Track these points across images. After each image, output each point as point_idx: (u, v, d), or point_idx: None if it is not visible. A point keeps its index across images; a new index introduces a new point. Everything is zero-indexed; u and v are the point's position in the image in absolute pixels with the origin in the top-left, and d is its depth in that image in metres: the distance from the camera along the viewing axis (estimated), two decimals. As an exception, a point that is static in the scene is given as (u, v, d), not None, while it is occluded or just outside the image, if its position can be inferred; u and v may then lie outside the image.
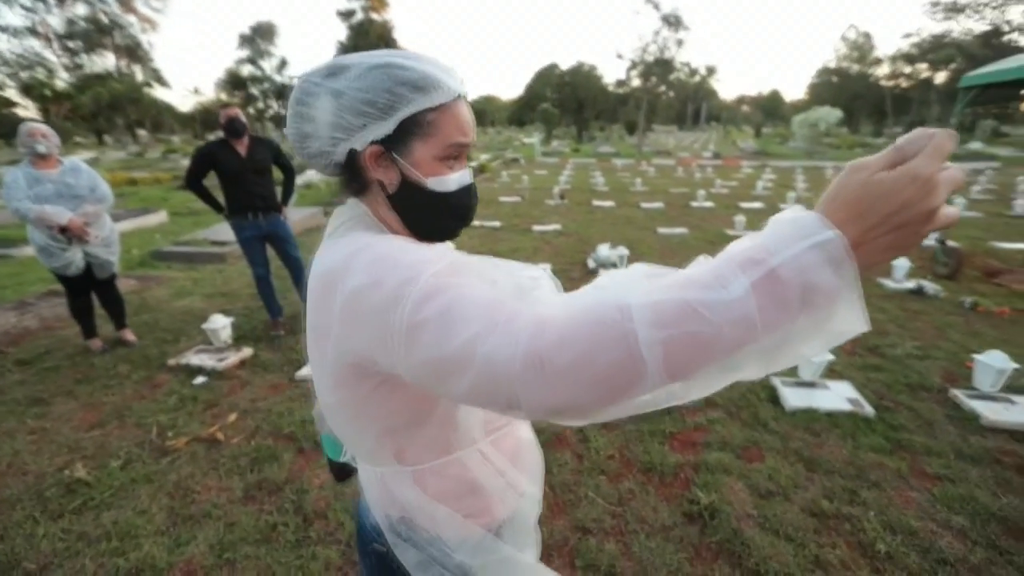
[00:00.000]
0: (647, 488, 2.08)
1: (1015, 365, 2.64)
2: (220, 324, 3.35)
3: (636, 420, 2.52)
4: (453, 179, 0.65)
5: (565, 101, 45.09)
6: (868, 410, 2.52)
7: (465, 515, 0.70)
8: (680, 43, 32.42)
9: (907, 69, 39.13)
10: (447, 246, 0.80)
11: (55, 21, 40.09)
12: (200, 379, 3.00)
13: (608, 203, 9.65)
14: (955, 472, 2.12)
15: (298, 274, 3.76)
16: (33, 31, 38.95)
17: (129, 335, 3.56)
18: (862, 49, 43.96)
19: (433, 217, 0.66)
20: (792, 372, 2.90)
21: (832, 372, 2.91)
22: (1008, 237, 6.45)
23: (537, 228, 7.35)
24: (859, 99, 42.33)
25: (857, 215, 0.40)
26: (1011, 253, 5.56)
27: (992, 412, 2.46)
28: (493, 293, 0.51)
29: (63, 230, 2.96)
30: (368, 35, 39.09)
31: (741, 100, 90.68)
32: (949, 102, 30.03)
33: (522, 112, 52.91)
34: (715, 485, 2.06)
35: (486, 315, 0.48)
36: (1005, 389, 2.65)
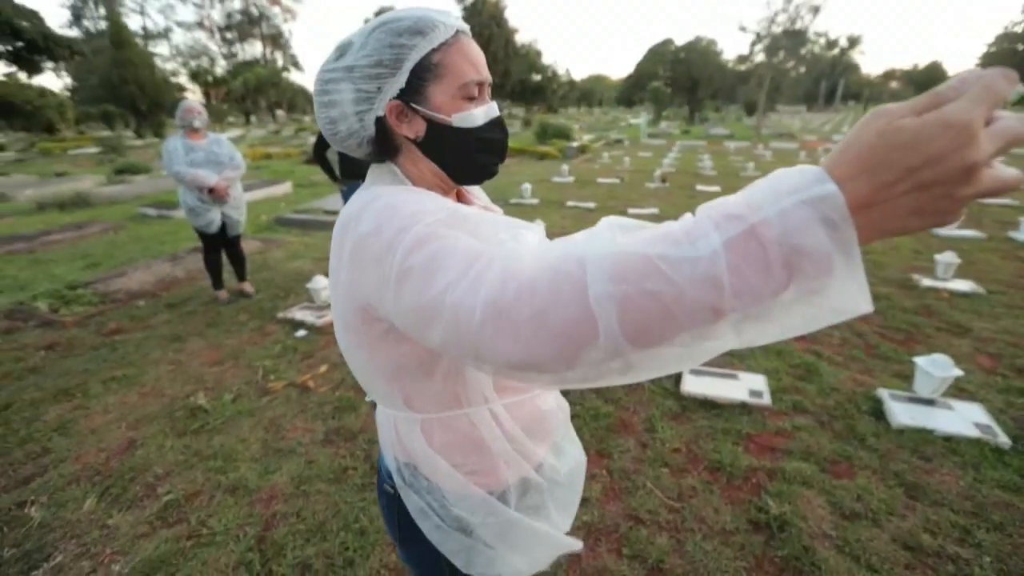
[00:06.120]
0: (712, 488, 1.95)
1: None
2: (321, 285, 3.70)
3: (711, 416, 2.37)
4: (478, 113, 0.65)
5: (678, 79, 42.42)
6: (1003, 440, 2.12)
7: (468, 472, 0.71)
8: (816, 10, 28.79)
9: None
10: (481, 197, 0.80)
11: (217, 15, 46.04)
12: (301, 332, 3.36)
13: (714, 188, 8.99)
14: (1116, 528, 1.72)
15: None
16: (200, 24, 45.10)
17: (248, 287, 4.09)
18: (1065, 9, 35.65)
19: (466, 155, 0.67)
20: (906, 385, 2.52)
21: (961, 391, 2.48)
22: None
23: (633, 211, 7.08)
24: (1054, 72, 34.56)
25: (869, 169, 0.33)
26: None
27: None
28: (479, 246, 0.50)
29: (210, 191, 3.49)
30: (481, 14, 39.75)
31: (890, 75, 78.72)
32: None
33: (631, 92, 50.79)
34: (790, 496, 1.87)
35: (462, 266, 0.47)
36: None
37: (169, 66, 39.57)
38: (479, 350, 0.45)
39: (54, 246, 5.77)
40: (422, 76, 0.62)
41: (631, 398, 2.53)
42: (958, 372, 2.33)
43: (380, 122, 0.65)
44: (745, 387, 2.55)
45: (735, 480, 1.99)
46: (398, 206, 0.56)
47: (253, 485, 2.00)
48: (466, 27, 0.65)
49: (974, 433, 2.15)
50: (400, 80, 0.62)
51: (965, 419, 2.25)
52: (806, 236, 0.34)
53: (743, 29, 35.10)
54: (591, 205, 7.48)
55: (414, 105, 0.63)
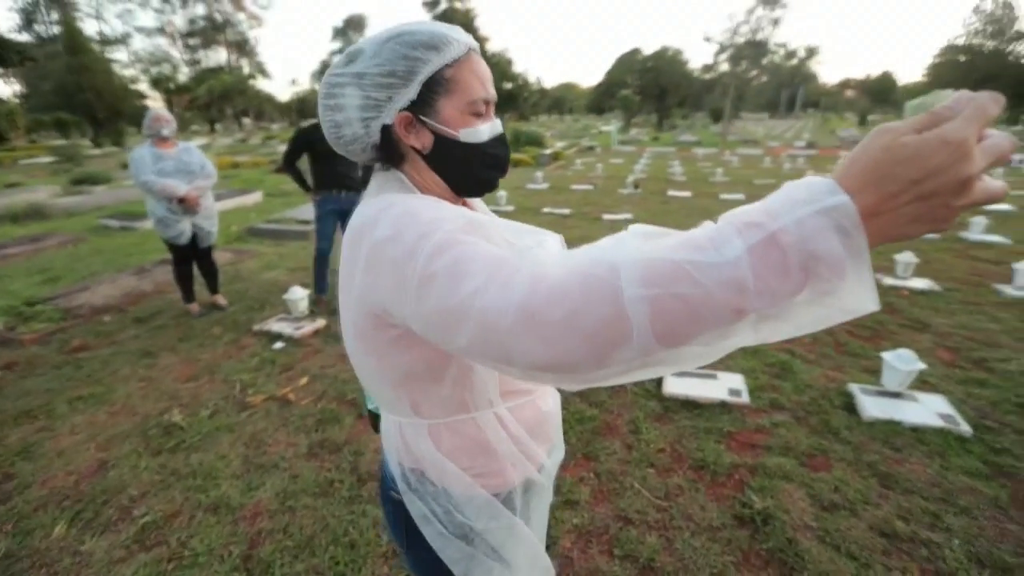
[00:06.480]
0: (697, 486, 2.00)
1: None
2: (298, 296, 3.63)
3: (693, 416, 2.42)
4: (484, 129, 0.67)
5: (647, 87, 43.40)
6: (964, 428, 2.24)
7: (476, 474, 0.72)
8: (776, 22, 30.02)
9: (1059, 44, 33.35)
10: (479, 205, 0.82)
11: (179, 21, 44.82)
12: (279, 344, 3.28)
13: (684, 193, 9.23)
14: (1070, 507, 1.84)
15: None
16: (161, 30, 43.80)
17: (221, 300, 3.97)
18: (1000, 22, 38.05)
19: (471, 169, 0.69)
20: (874, 380, 2.64)
21: (924, 384, 2.62)
22: None
23: (607, 217, 7.21)
24: (993, 81, 36.77)
25: (875, 181, 0.37)
26: None
27: None
28: (500, 251, 0.52)
29: (180, 200, 3.38)
30: (451, 23, 39.87)
31: (845, 84, 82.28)
32: (1113, 83, 25.28)
33: (601, 99, 51.73)
34: (772, 490, 1.93)
35: (488, 270, 0.49)
36: None
37: (128, 72, 38.20)
38: (509, 353, 0.47)
39: (9, 260, 5.49)
40: (433, 90, 0.64)
41: (615, 401, 2.56)
42: (922, 366, 2.45)
43: (386, 130, 0.66)
44: (724, 386, 2.62)
45: (719, 477, 2.04)
46: (416, 213, 0.57)
47: (236, 503, 1.94)
48: (476, 45, 0.67)
49: (939, 423, 2.27)
50: (411, 91, 0.63)
51: (930, 410, 2.37)
52: (822, 242, 0.37)
53: (707, 39, 36.29)
54: (566, 211, 7.58)
55: (423, 118, 0.65)
